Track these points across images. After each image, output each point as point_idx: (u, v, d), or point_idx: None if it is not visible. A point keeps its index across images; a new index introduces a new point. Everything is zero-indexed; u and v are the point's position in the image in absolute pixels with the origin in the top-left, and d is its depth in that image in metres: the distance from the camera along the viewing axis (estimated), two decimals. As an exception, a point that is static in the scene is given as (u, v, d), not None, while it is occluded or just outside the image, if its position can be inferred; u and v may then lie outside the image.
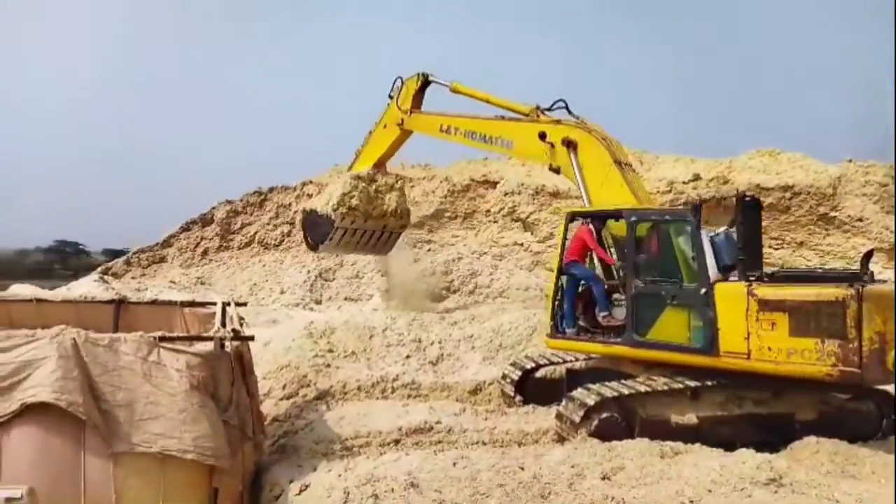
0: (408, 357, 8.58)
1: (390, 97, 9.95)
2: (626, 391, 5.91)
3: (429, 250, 15.39)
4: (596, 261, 7.48)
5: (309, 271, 15.02)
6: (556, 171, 7.91)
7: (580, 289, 7.23)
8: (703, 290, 6.02)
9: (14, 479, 3.65)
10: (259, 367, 5.93)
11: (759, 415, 6.04)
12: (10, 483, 3.64)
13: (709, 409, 6.02)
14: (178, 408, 4.05)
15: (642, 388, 5.94)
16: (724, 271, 6.14)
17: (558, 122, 8.01)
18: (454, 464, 4.89)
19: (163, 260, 16.38)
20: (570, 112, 8.12)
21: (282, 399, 7.31)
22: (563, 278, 7.18)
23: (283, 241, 16.90)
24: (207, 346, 4.36)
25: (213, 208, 17.32)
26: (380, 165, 10.65)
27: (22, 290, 11.03)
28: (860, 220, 13.95)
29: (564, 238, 7.16)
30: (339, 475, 4.69)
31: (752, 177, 15.05)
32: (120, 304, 6.06)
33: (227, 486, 4.27)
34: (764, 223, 10.97)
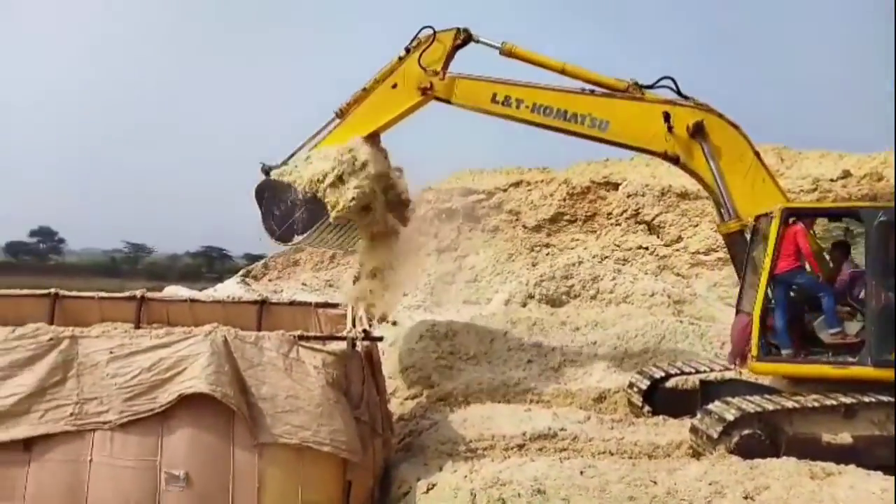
0: (529, 362, 8.50)
1: (407, 50, 7.22)
2: (770, 406, 5.48)
3: (547, 254, 15.19)
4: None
5: (429, 274, 15.35)
6: (674, 160, 6.68)
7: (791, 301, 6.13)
8: None
9: (173, 462, 4.01)
10: (385, 367, 6.11)
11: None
12: (169, 466, 4.00)
13: (866, 428, 5.44)
14: (316, 402, 4.27)
15: (789, 404, 5.48)
16: None
17: (675, 102, 6.72)
18: (581, 472, 4.77)
19: (296, 264, 17.44)
20: (679, 93, 6.80)
21: (406, 399, 7.52)
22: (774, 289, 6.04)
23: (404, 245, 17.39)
24: (341, 346, 4.57)
25: (340, 215, 18.19)
26: (375, 136, 7.51)
27: (176, 291, 12.18)
28: None
29: (779, 239, 5.90)
30: (465, 476, 4.71)
31: (913, 172, 13.44)
32: (263, 304, 6.50)
33: (359, 480, 4.45)
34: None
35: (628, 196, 15.13)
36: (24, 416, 3.93)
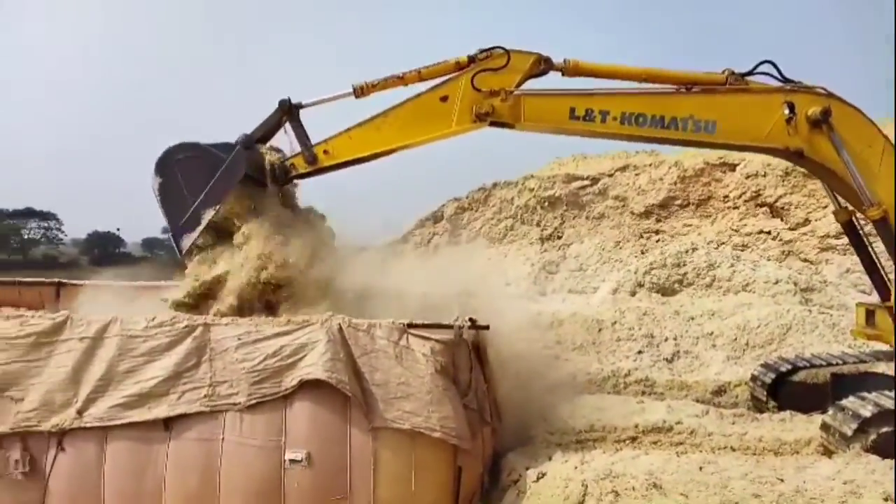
0: (640, 352, 8.23)
1: (471, 60, 5.77)
2: (913, 402, 4.97)
3: (657, 241, 14.60)
4: None
5: (532, 264, 15.24)
6: (798, 154, 5.82)
7: None
8: None
9: (295, 442, 4.25)
10: (490, 356, 6.12)
11: None
12: (292, 446, 4.25)
13: None
14: (426, 389, 4.37)
15: (935, 400, 4.94)
16: None
17: (793, 89, 5.79)
18: (700, 468, 4.56)
19: (400, 254, 17.91)
20: (784, 79, 5.89)
21: (513, 388, 7.49)
22: None
23: (507, 234, 17.37)
24: (448, 334, 4.63)
25: (443, 206, 18.46)
26: (356, 163, 5.99)
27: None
28: None
29: None
30: (576, 467, 4.64)
31: None
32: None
33: (469, 466, 4.51)
34: None
35: (747, 177, 14.19)
36: (164, 398, 4.30)
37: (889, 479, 4.33)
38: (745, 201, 14.00)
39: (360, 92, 5.90)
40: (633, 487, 4.16)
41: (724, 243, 13.40)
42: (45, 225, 55.49)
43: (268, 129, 5.92)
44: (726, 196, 14.46)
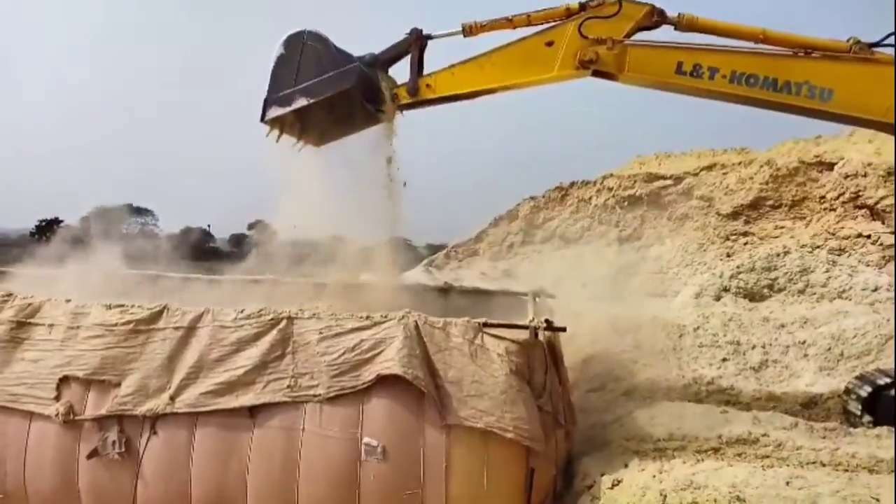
0: (724, 360, 7.90)
1: (581, 6, 5.73)
2: None
3: (745, 244, 13.92)
4: None
5: (610, 266, 14.88)
6: None
7: None
8: None
9: (372, 435, 4.35)
10: (565, 358, 6.06)
11: None
12: (369, 438, 4.35)
13: None
14: (500, 389, 4.37)
15: None
16: None
17: None
18: (787, 483, 4.34)
19: (475, 253, 17.95)
20: None
21: (588, 391, 7.38)
22: None
23: (584, 235, 17.05)
24: (524, 334, 4.62)
25: (518, 205, 18.36)
26: (455, 99, 6.18)
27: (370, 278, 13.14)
28: None
29: None
30: (654, 476, 4.52)
31: None
32: (446, 291, 6.78)
33: (542, 468, 4.48)
34: None
35: (846, 177, 13.27)
36: (251, 387, 4.51)
37: None
38: (843, 203, 13.10)
39: (469, 31, 6.03)
40: (716, 500, 4.01)
41: (819, 247, 12.59)
42: (142, 220, 59.22)
43: (394, 54, 6.15)
44: (823, 197, 13.59)
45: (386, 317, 4.58)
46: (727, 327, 8.68)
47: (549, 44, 5.76)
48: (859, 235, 12.56)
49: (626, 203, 16.52)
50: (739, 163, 15.20)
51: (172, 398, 4.55)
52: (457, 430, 4.35)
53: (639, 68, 5.67)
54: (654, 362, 7.90)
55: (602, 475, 4.69)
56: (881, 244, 12.40)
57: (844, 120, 5.77)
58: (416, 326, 4.54)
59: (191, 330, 4.71)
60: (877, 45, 5.46)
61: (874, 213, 12.89)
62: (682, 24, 5.78)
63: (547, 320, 4.78)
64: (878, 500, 4.14)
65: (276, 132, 6.23)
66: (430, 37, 6.15)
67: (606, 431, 5.82)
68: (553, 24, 5.80)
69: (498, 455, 4.35)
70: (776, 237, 13.40)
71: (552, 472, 4.67)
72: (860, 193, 13.03)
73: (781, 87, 5.47)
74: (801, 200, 13.90)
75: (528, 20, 5.94)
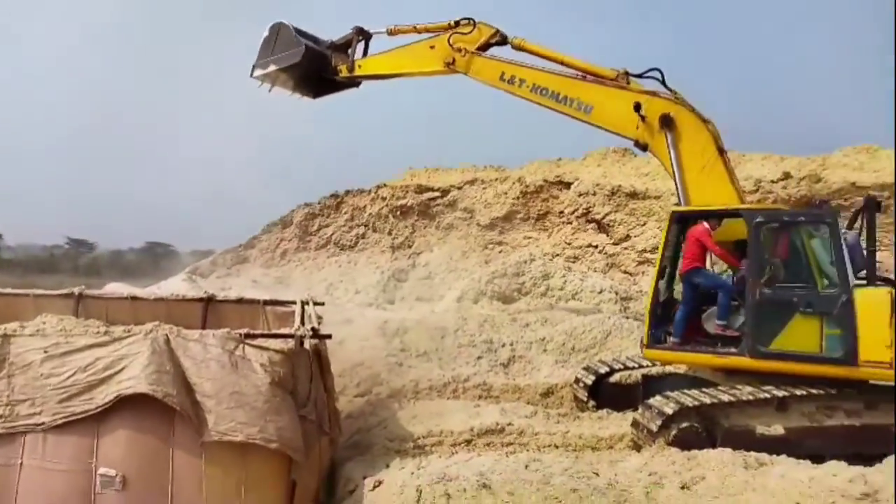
0: (479, 358, 8.59)
1: (455, 23, 8.33)
2: (707, 400, 5.68)
3: (500, 252, 15.35)
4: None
5: (382, 272, 15.31)
6: (643, 147, 7.09)
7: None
8: (842, 297, 5.64)
9: (109, 464, 3.88)
10: (334, 364, 6.10)
11: (853, 426, 5.66)
12: (105, 468, 3.88)
13: (797, 420, 5.70)
14: (262, 399, 4.21)
15: (725, 398, 5.69)
16: (857, 275, 5.77)
17: (655, 93, 7.09)
18: (526, 466, 4.85)
19: (245, 260, 17.14)
20: (664, 84, 7.16)
21: (356, 396, 7.49)
22: (663, 285, 6.67)
23: (358, 242, 17.32)
24: (288, 343, 4.52)
25: (293, 211, 17.98)
26: (378, 78, 9.15)
27: (117, 288, 11.78)
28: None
29: (667, 240, 6.62)
30: (412, 473, 4.73)
31: (847, 175, 14.12)
32: (208, 301, 6.36)
33: (304, 480, 4.41)
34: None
35: (580, 195, 15.40)
36: (-50, 420, 3.75)
37: (687, 469, 4.88)
38: (577, 217, 15.19)
39: (391, 32, 8.95)
40: (465, 489, 4.32)
41: (558, 255, 14.44)
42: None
43: (342, 42, 9.24)
44: (561, 212, 15.58)
45: (129, 331, 4.15)
46: (482, 327, 9.47)
47: (432, 48, 8.38)
48: (589, 245, 14.68)
49: (398, 212, 17.14)
50: (496, 179, 16.75)
51: None
52: (212, 448, 4.08)
53: (478, 72, 8.12)
54: (418, 364, 8.29)
55: (364, 478, 4.78)
56: (605, 253, 14.62)
57: (602, 129, 7.51)
58: (167, 340, 4.18)
59: None
60: (639, 76, 7.36)
61: (601, 227, 15.15)
62: (515, 45, 8.27)
63: (313, 328, 4.75)
64: (597, 474, 4.82)
65: (267, 85, 9.40)
66: (368, 32, 9.24)
67: (371, 435, 5.96)
68: (437, 34, 8.42)
69: (257, 471, 4.18)
70: (525, 246, 15.01)
71: (315, 483, 4.63)
72: (590, 209, 15.22)
73: (561, 99, 7.55)
74: (545, 214, 15.78)
75: (427, 28, 8.61)
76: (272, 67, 9.06)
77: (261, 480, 4.17)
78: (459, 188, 16.96)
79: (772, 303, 5.95)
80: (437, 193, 17.02)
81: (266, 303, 6.49)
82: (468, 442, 5.86)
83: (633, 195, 14.81)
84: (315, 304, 6.12)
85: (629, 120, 7.06)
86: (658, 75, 7.20)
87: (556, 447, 5.89)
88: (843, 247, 5.75)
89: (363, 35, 9.17)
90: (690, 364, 6.71)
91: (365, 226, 17.38)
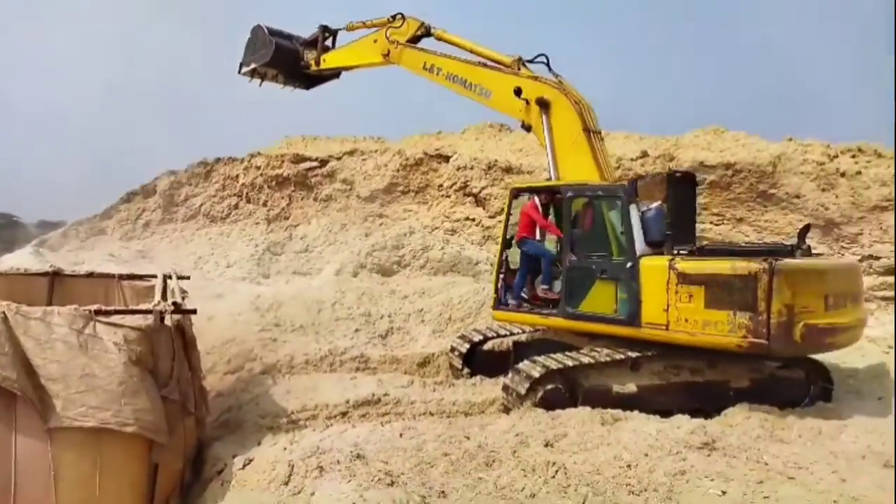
0: (357, 330, 8.57)
1: (394, 17, 9.18)
2: (570, 363, 6.06)
3: (381, 224, 15.28)
4: (548, 234, 7.54)
5: (257, 245, 14.71)
6: (528, 129, 7.66)
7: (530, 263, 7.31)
8: (629, 264, 6.25)
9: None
10: (203, 341, 5.82)
11: (696, 383, 6.30)
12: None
13: (647, 378, 6.25)
14: (117, 381, 3.93)
15: (585, 360, 6.10)
16: (655, 246, 6.35)
17: (536, 78, 7.63)
18: (400, 434, 4.95)
19: (102, 232, 15.76)
20: (550, 69, 7.75)
21: (226, 374, 7.21)
22: (509, 252, 7.41)
23: (230, 213, 16.46)
24: (147, 320, 4.24)
25: (156, 179, 16.72)
26: (340, 69, 10.35)
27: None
28: (797, 197, 14.42)
29: (509, 213, 7.33)
30: (285, 448, 4.67)
31: (697, 154, 15.42)
32: (54, 276, 5.82)
33: (167, 462, 4.19)
34: (706, 200, 11.28)
35: (458, 169, 15.59)
36: None
37: (550, 427, 5.19)
38: (456, 191, 15.41)
39: (350, 28, 9.88)
40: (338, 461, 4.33)
41: (437, 228, 14.59)
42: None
43: (311, 39, 10.26)
44: (441, 185, 15.73)
45: (-44, 309, 3.70)
46: (361, 300, 9.44)
47: (375, 41, 9.28)
48: (467, 219, 14.95)
49: (274, 182, 16.48)
50: (376, 150, 16.54)
51: None
52: (62, 433, 3.78)
53: (406, 62, 8.87)
54: (293, 338, 8.12)
55: (234, 457, 4.64)
56: (482, 226, 14.99)
57: (501, 113, 8.12)
58: (4, 318, 3.78)
59: None
60: (530, 61, 7.84)
61: (478, 200, 15.48)
62: (437, 36, 8.99)
63: (175, 303, 4.48)
64: (468, 437, 5.01)
65: (257, 80, 10.55)
66: (332, 29, 10.24)
67: (242, 412, 5.78)
68: (379, 28, 9.25)
69: (114, 455, 3.92)
70: (405, 219, 15.03)
71: (179, 465, 4.42)
72: (468, 183, 15.49)
73: (468, 85, 8.16)
74: (425, 187, 15.86)
75: (373, 24, 9.47)
76: (252, 65, 10.30)
77: (118, 465, 3.93)
78: (339, 159, 16.56)
79: (578, 269, 6.66)
80: (315, 164, 16.50)
81: (122, 277, 6.06)
82: (344, 414, 5.86)
83: (509, 170, 15.23)
84: (179, 277, 5.79)
85: (516, 104, 7.60)
86: (545, 59, 7.76)
87: (432, 415, 6.04)
88: (633, 218, 6.31)
89: (329, 32, 10.21)
90: (524, 324, 7.54)
91: (238, 196, 16.52)
